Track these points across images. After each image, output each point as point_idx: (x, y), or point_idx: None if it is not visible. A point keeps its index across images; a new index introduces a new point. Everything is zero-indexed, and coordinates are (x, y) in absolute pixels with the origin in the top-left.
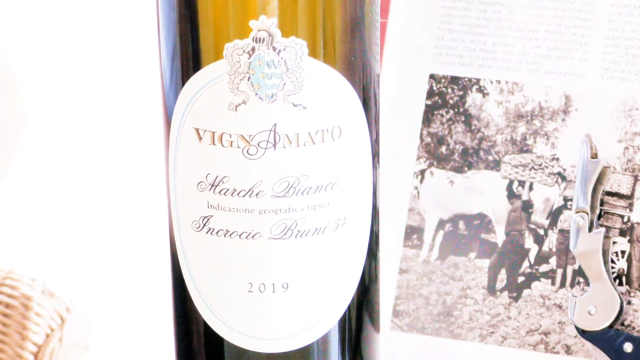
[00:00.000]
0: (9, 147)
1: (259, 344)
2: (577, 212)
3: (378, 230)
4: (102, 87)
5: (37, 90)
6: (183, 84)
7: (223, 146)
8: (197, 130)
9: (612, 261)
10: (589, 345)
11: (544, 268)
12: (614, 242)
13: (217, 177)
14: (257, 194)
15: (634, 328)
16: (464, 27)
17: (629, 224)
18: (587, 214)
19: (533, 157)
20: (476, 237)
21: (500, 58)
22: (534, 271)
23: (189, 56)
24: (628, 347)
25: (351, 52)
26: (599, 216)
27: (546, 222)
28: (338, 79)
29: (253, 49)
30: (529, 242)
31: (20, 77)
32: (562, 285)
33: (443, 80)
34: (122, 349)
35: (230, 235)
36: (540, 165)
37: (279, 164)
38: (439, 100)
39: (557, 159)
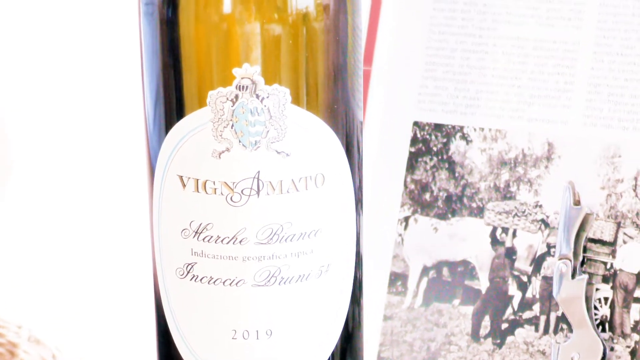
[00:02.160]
0: None
1: None
2: (560, 259)
3: (362, 277)
4: (87, 132)
5: (25, 136)
6: (167, 131)
7: (207, 193)
8: (180, 177)
9: (595, 307)
10: None
11: (527, 314)
12: (597, 289)
13: (201, 224)
14: (240, 241)
15: None
16: (447, 74)
17: (612, 270)
18: (570, 260)
19: (516, 204)
20: (460, 283)
21: (484, 105)
22: (517, 318)
23: (173, 103)
24: None
25: (334, 100)
26: (582, 263)
27: (529, 269)
28: (321, 126)
29: (236, 97)
30: (513, 289)
31: (7, 122)
32: (546, 331)
33: (427, 127)
34: None
35: (214, 282)
36: (523, 212)
37: (262, 211)
38: (423, 147)
39: (540, 206)
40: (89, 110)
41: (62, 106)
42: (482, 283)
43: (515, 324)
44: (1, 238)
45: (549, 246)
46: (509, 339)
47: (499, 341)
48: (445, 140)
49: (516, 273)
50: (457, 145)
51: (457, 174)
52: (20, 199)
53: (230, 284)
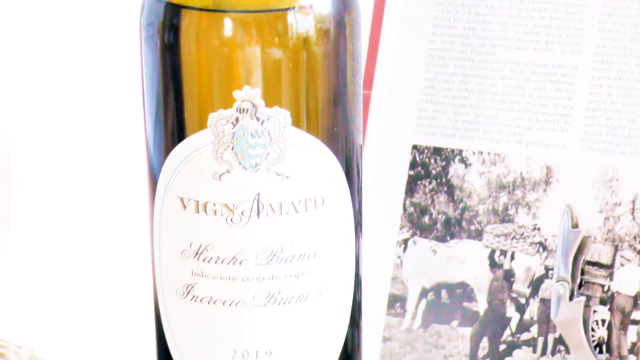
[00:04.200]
0: None
1: None
2: (558, 281)
3: (361, 299)
4: (88, 155)
5: (26, 161)
6: (167, 152)
7: (207, 215)
8: (181, 199)
9: (593, 329)
10: None
11: (525, 336)
12: (595, 311)
13: (201, 245)
14: (240, 262)
15: None
16: (446, 98)
17: (609, 293)
18: (568, 283)
19: (515, 227)
20: (458, 305)
21: (483, 129)
22: (515, 339)
23: (174, 126)
24: None
25: (334, 123)
26: (580, 285)
27: (527, 291)
28: (321, 148)
29: (237, 119)
30: (511, 311)
31: (9, 144)
32: (543, 353)
33: (426, 151)
34: None
35: (213, 302)
36: (521, 234)
37: (262, 233)
38: (422, 171)
39: (539, 229)
40: (91, 132)
41: (64, 126)
42: (481, 305)
43: (513, 346)
44: (2, 259)
45: (547, 269)
46: None
47: None
48: (444, 163)
49: (514, 295)
50: (456, 169)
51: (455, 197)
52: (23, 219)
53: (230, 305)
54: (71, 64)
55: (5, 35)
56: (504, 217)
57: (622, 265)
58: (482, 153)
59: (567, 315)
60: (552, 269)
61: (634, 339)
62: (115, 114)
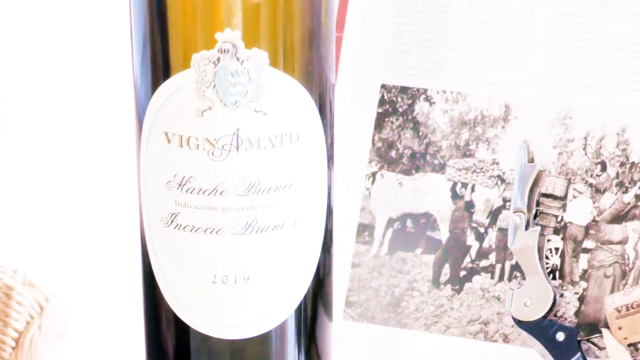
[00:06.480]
0: None
1: (221, 331)
2: (514, 212)
3: (332, 228)
4: (78, 92)
5: (13, 92)
6: (153, 90)
7: (190, 148)
8: (166, 133)
9: (547, 257)
10: (524, 334)
11: (484, 263)
12: (549, 240)
13: (184, 177)
14: (220, 193)
15: (565, 319)
16: (413, 40)
17: (562, 223)
18: (524, 213)
19: (475, 161)
20: (422, 234)
21: (446, 70)
22: (475, 266)
23: (159, 65)
24: (560, 336)
25: (309, 63)
26: (535, 216)
27: (486, 221)
28: (296, 87)
29: (218, 59)
30: (471, 239)
31: None
32: (501, 279)
33: (393, 90)
34: (97, 336)
35: (195, 230)
36: (481, 168)
37: (241, 166)
38: (390, 108)
39: (497, 163)
40: (82, 71)
41: (59, 66)
42: (443, 234)
43: (472, 272)
44: None
45: (504, 200)
46: (467, 285)
47: (457, 287)
48: (410, 102)
49: (474, 225)
50: (421, 107)
51: (420, 133)
52: (14, 148)
53: (210, 233)
54: (57, 20)
55: None
56: (465, 152)
57: (574, 197)
58: (445, 92)
59: (523, 243)
60: (509, 200)
61: (585, 266)
62: (103, 53)
